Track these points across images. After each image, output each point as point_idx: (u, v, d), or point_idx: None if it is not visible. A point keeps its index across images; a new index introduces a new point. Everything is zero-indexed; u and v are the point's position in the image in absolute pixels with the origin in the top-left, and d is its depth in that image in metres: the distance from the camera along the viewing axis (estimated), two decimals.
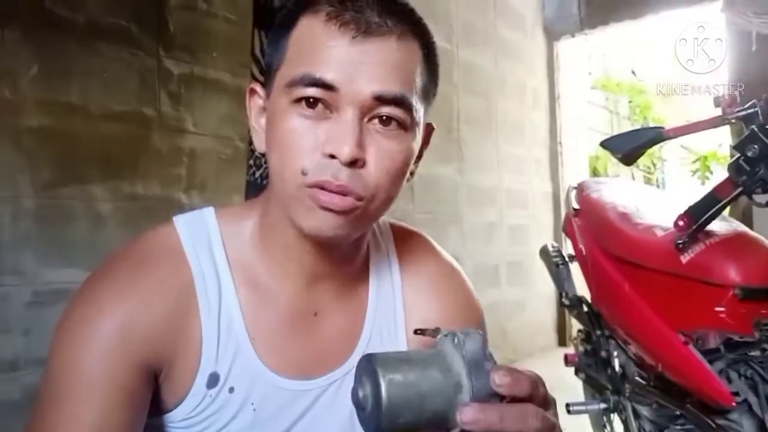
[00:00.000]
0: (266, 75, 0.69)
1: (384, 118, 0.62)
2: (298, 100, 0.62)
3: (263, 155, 0.71)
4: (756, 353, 1.27)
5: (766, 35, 3.36)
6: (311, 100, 0.61)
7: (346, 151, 0.59)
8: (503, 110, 4.48)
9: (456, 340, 0.48)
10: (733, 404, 1.24)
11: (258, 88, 0.71)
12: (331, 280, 0.73)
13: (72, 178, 2.05)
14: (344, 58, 0.60)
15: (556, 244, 2.22)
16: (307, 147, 0.61)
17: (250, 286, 0.71)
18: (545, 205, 4.97)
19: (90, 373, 0.62)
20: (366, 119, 0.62)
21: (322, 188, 0.61)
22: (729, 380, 1.29)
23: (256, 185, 2.30)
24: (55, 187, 2.01)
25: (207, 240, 0.71)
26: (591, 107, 6.21)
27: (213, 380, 0.67)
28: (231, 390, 0.68)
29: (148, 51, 2.27)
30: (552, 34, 5.06)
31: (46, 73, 1.99)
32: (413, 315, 0.79)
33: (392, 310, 0.78)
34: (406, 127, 0.64)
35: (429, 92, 0.68)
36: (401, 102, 0.62)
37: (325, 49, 0.61)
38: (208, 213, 0.74)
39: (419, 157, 0.71)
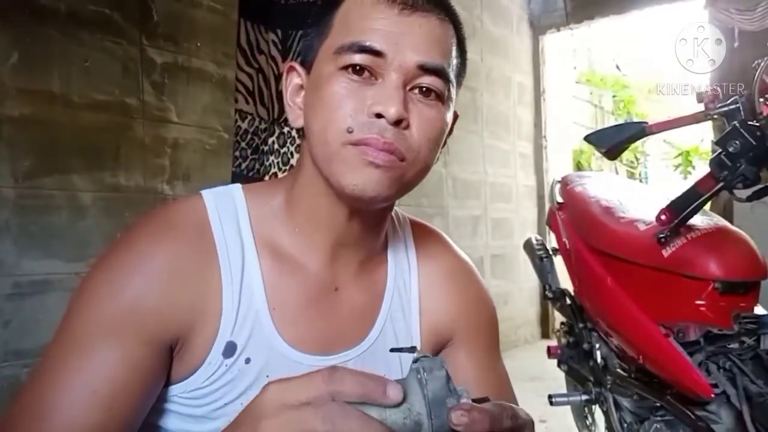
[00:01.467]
0: (306, 52, 0.72)
1: (424, 89, 0.66)
2: (345, 67, 0.65)
3: (249, 146, 0.72)
4: (735, 346, 1.29)
5: (748, 31, 3.40)
6: (358, 67, 0.64)
7: (392, 111, 0.62)
8: (489, 104, 4.49)
9: (419, 377, 0.47)
10: (712, 396, 1.26)
11: (296, 65, 0.73)
12: (354, 255, 0.75)
13: (53, 168, 2.02)
14: (392, 29, 0.64)
15: (539, 238, 2.24)
16: (352, 108, 0.64)
17: (275, 257, 0.72)
18: (529, 198, 5.00)
19: (102, 343, 0.62)
20: (408, 87, 0.65)
21: (368, 145, 0.63)
22: (708, 372, 1.30)
23: (242, 177, 2.29)
24: (35, 177, 1.98)
25: (233, 211, 0.72)
26: (575, 102, 6.24)
27: (230, 349, 0.67)
28: (247, 361, 0.68)
29: (131, 40, 2.25)
30: (537, 29, 5.08)
31: (26, 61, 1.96)
32: (427, 302, 0.81)
33: (408, 295, 0.80)
34: (443, 99, 0.67)
35: (460, 76, 0.72)
36: (441, 73, 0.66)
37: (374, 21, 0.65)
38: (235, 187, 0.75)
39: (444, 144, 0.73)
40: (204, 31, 2.48)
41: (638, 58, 7.10)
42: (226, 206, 0.72)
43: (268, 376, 0.68)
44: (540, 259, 2.07)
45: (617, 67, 7.23)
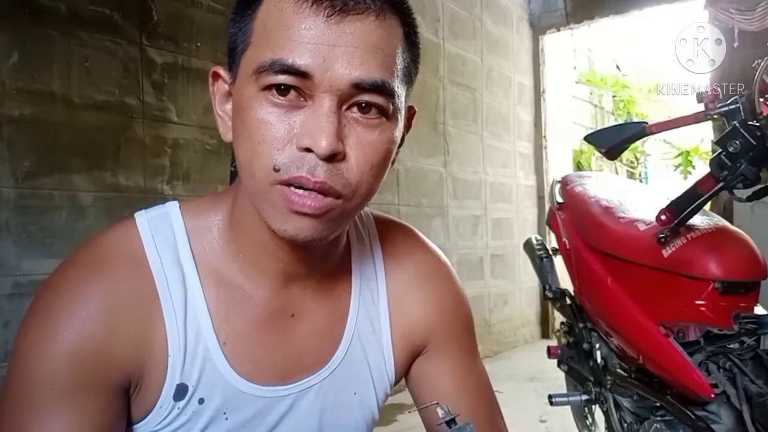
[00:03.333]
0: (229, 56, 0.61)
1: (363, 104, 0.56)
2: (268, 87, 0.55)
3: None
4: (735, 346, 1.29)
5: (748, 31, 3.40)
6: (282, 87, 0.55)
7: (323, 144, 0.53)
8: (489, 104, 4.49)
9: None
10: (712, 396, 1.26)
11: (221, 71, 0.63)
12: (309, 278, 0.68)
13: (53, 168, 2.02)
14: (318, 41, 0.54)
15: (539, 238, 2.24)
16: (279, 139, 0.55)
17: (221, 287, 0.65)
18: (529, 198, 5.00)
19: (54, 403, 0.57)
20: (344, 107, 0.56)
21: (299, 186, 0.55)
22: (708, 372, 1.30)
23: None
24: (36, 177, 1.98)
25: (171, 238, 0.65)
26: (575, 102, 6.24)
27: (181, 392, 0.63)
28: (201, 401, 0.64)
29: (131, 40, 2.25)
30: (537, 29, 5.08)
31: (26, 61, 1.96)
32: (398, 312, 0.75)
33: (376, 307, 0.74)
34: (387, 114, 0.58)
35: (411, 73, 0.62)
36: (382, 88, 0.56)
37: (297, 31, 0.54)
38: (172, 207, 0.68)
39: (401, 142, 0.65)
40: (204, 31, 2.47)
41: (638, 58, 7.10)
42: (162, 232, 0.65)
43: (225, 414, 0.65)
44: (540, 259, 2.07)
45: (617, 67, 7.23)
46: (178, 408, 0.63)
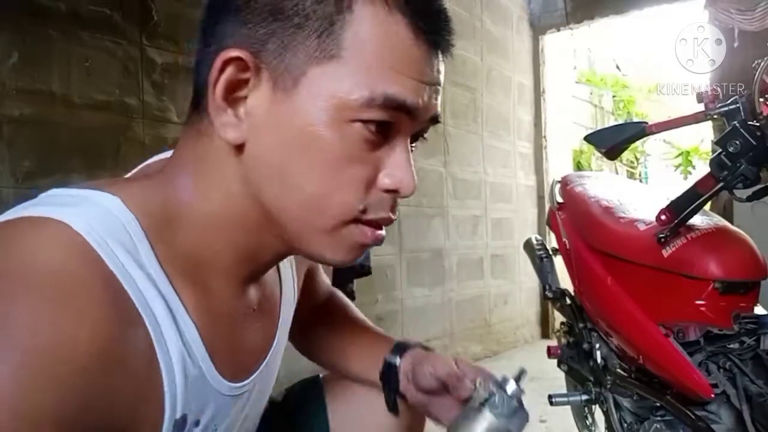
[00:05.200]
0: (279, 52, 0.50)
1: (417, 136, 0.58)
2: (366, 121, 0.50)
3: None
4: (735, 346, 1.29)
5: (748, 31, 3.40)
6: (385, 124, 0.51)
7: (411, 188, 0.53)
8: (489, 104, 4.49)
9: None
10: (712, 396, 1.26)
11: (248, 57, 0.50)
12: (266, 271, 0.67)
13: (53, 168, 2.02)
14: (430, 80, 0.52)
15: (539, 238, 2.24)
16: (368, 180, 0.52)
17: (196, 291, 0.56)
18: (529, 198, 5.00)
19: None
20: None
21: (378, 227, 0.55)
22: (708, 372, 1.30)
23: None
24: (35, 177, 1.98)
25: (131, 245, 0.51)
26: (575, 102, 6.24)
27: (181, 424, 0.55)
28: (197, 423, 0.58)
29: (131, 40, 2.24)
30: (537, 29, 5.07)
31: (26, 61, 1.96)
32: None
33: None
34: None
35: None
36: (438, 119, 0.59)
37: (418, 67, 0.51)
38: (111, 202, 0.52)
39: None
40: None
41: (638, 58, 7.10)
42: (118, 238, 0.49)
43: (215, 423, 0.61)
44: (540, 259, 2.07)
45: (617, 67, 7.23)
46: None
